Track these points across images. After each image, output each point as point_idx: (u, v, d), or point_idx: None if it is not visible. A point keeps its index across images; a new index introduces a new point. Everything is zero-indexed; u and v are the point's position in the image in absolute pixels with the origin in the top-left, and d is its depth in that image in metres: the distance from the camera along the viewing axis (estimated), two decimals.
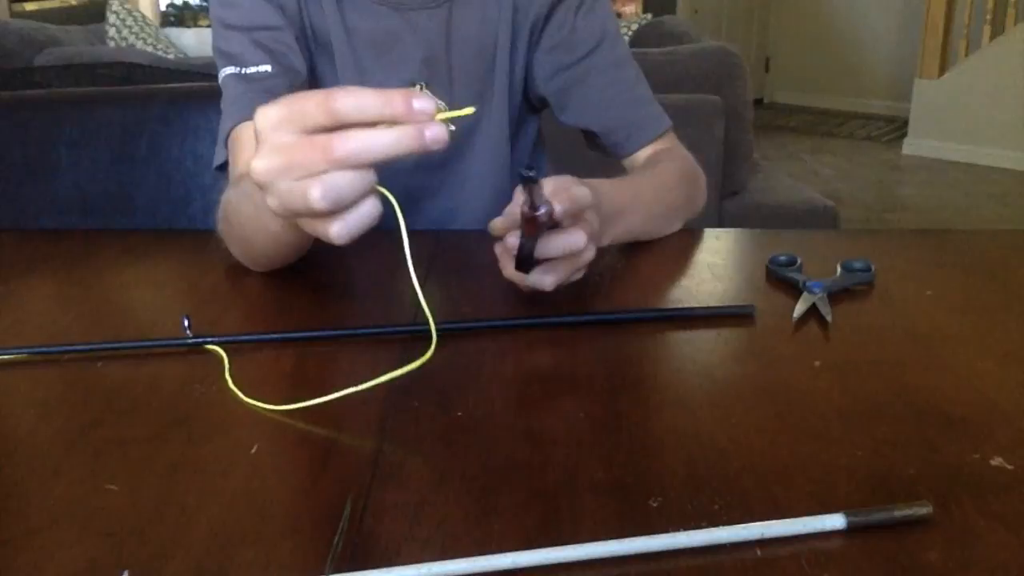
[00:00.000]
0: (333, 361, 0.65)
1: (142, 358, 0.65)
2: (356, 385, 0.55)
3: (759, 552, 0.42)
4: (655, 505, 0.46)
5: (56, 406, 0.58)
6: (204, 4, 4.30)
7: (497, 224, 0.70)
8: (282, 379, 0.62)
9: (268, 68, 0.85)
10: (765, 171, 2.50)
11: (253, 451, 0.52)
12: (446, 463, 0.50)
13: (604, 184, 0.77)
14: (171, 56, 3.06)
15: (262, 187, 0.51)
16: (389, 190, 0.51)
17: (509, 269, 0.69)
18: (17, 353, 0.65)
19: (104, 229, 1.14)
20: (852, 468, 0.49)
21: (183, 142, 1.24)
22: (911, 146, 5.00)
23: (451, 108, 0.52)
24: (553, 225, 0.65)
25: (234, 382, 0.59)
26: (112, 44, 3.28)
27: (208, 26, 1.74)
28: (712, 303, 0.73)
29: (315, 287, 0.79)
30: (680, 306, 0.73)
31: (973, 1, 4.74)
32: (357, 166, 0.49)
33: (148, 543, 0.44)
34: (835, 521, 0.44)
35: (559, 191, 0.65)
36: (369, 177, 0.50)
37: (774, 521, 0.44)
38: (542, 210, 0.61)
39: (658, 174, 0.93)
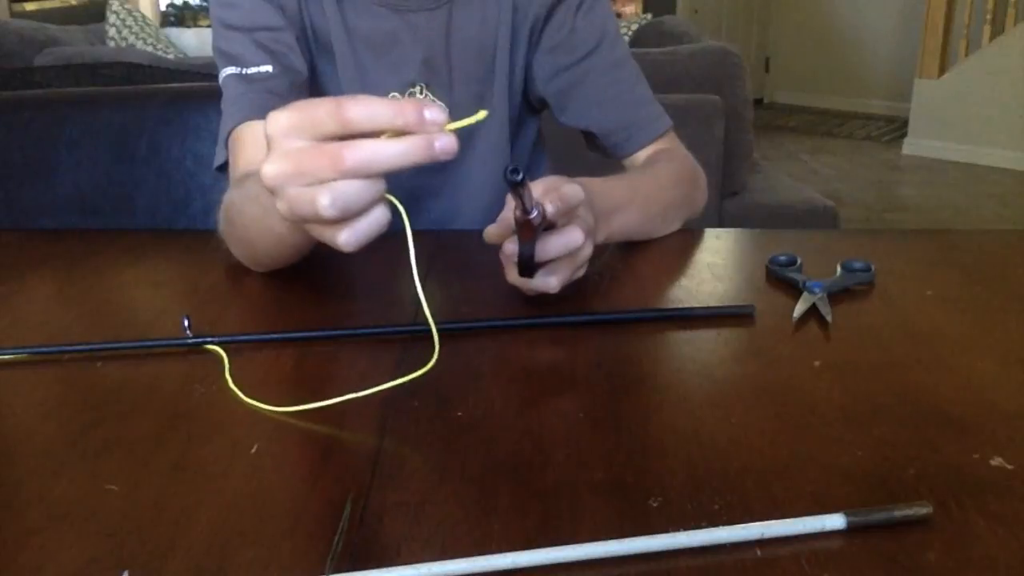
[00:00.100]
0: (333, 361, 0.65)
1: (142, 358, 0.65)
2: (356, 387, 0.55)
3: (759, 552, 0.43)
4: (655, 505, 0.46)
5: (56, 406, 0.58)
6: (204, 4, 4.30)
7: (491, 231, 0.70)
8: (282, 379, 0.62)
9: (269, 68, 0.85)
10: (765, 171, 2.50)
11: (253, 451, 0.52)
12: (446, 463, 0.50)
13: (596, 182, 0.77)
14: (171, 56, 3.06)
15: (272, 191, 0.51)
16: (390, 190, 0.51)
17: (513, 275, 0.69)
18: (17, 353, 0.65)
19: (104, 229, 1.14)
20: (852, 468, 0.49)
21: (183, 142, 1.24)
22: (911, 146, 5.00)
23: (451, 109, 0.52)
24: (548, 226, 0.65)
25: (234, 382, 0.59)
26: (112, 44, 3.28)
27: (208, 26, 1.74)
28: (712, 303, 0.73)
29: (315, 287, 0.79)
30: (680, 306, 0.73)
31: (973, 1, 4.74)
32: (366, 176, 0.49)
33: (148, 543, 0.44)
34: (835, 521, 0.44)
35: (549, 191, 0.65)
36: (378, 185, 0.50)
37: (774, 521, 0.44)
38: (534, 213, 0.61)
39: (655, 173, 0.93)
